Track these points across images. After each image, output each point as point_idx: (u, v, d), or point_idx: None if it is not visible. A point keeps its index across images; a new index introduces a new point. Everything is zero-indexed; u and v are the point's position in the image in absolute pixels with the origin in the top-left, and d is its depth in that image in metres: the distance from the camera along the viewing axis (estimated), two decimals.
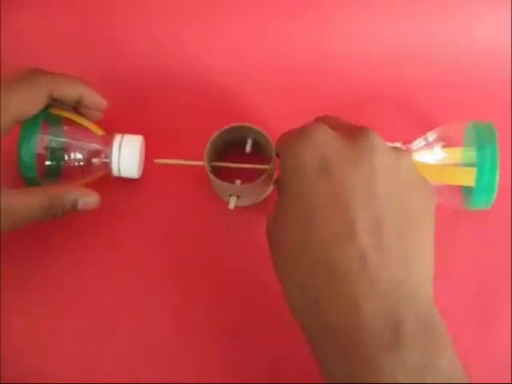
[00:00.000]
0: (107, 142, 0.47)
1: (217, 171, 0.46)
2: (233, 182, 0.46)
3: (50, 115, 0.44)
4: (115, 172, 0.47)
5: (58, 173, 0.45)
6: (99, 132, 0.47)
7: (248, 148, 0.48)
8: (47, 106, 0.44)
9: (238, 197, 0.47)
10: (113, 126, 0.48)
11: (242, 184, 0.46)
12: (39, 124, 0.42)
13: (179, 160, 0.48)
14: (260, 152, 0.49)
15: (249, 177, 0.46)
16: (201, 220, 0.49)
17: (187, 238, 0.49)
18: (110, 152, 0.46)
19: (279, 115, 0.51)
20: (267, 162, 0.46)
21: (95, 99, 0.46)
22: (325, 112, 0.39)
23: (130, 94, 0.53)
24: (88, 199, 0.43)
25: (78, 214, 0.42)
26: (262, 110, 0.52)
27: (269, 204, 0.49)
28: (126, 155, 0.46)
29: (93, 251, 0.47)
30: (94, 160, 0.46)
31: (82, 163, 0.46)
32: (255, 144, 0.49)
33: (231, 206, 0.46)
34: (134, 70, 0.54)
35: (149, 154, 0.49)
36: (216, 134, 0.46)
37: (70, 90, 0.44)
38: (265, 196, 0.49)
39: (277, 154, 0.42)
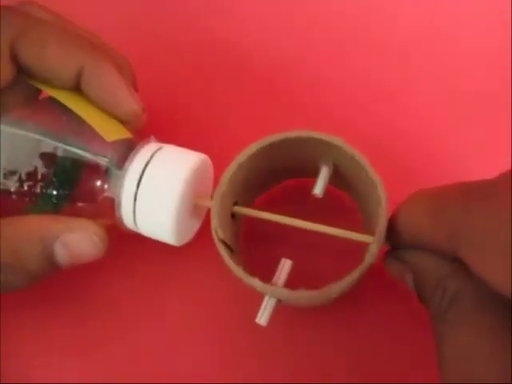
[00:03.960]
0: (121, 156, 0.21)
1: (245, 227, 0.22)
2: (273, 266, 0.20)
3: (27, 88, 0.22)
4: (129, 224, 0.22)
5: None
6: (111, 135, 0.21)
7: (319, 187, 0.21)
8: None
9: (279, 301, 0.20)
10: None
11: (286, 287, 0.20)
12: None
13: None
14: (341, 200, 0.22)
15: (314, 251, 0.21)
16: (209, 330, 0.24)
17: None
18: (120, 182, 0.21)
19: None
20: (359, 227, 0.20)
21: (115, 89, 0.21)
22: None
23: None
24: (72, 239, 0.20)
25: None
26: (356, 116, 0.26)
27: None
28: (153, 197, 0.21)
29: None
30: (91, 190, 0.21)
31: (58, 189, 0.20)
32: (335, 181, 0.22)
33: (262, 320, 0.20)
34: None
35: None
36: (249, 150, 0.20)
37: (53, 53, 0.20)
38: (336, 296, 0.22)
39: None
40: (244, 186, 0.22)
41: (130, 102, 0.21)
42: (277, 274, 0.20)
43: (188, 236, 0.23)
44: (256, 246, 0.24)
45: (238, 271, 0.19)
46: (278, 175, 0.24)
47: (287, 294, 0.18)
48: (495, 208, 0.15)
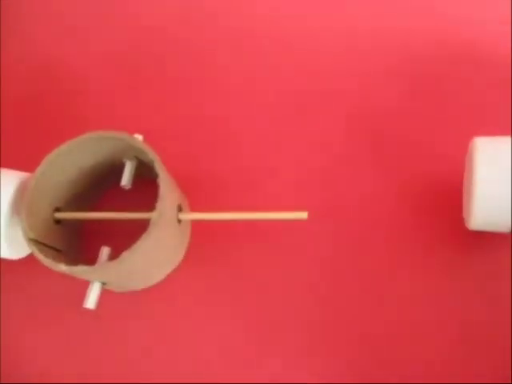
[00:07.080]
0: None
1: (77, 228, 0.25)
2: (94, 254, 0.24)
3: None
4: None
5: None
6: None
7: (125, 179, 0.24)
8: None
9: (103, 284, 0.23)
10: None
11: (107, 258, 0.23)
12: None
13: None
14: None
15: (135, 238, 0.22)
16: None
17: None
18: None
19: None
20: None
21: None
22: None
23: None
24: None
25: None
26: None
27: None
28: None
29: None
30: None
31: None
32: (146, 173, 0.25)
33: (89, 303, 0.22)
34: None
35: None
36: (46, 160, 0.23)
37: None
38: (165, 275, 0.25)
39: None
40: (63, 193, 0.24)
41: None
42: (98, 260, 0.23)
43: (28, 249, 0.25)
44: (93, 246, 0.26)
45: (45, 260, 0.21)
46: (99, 179, 0.26)
47: (91, 269, 0.21)
48: None
